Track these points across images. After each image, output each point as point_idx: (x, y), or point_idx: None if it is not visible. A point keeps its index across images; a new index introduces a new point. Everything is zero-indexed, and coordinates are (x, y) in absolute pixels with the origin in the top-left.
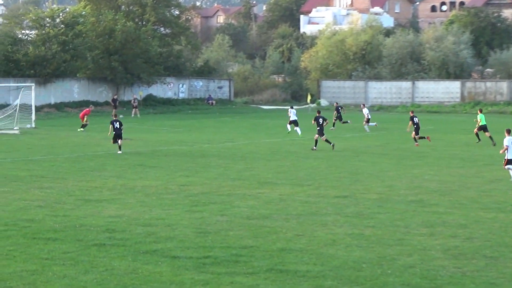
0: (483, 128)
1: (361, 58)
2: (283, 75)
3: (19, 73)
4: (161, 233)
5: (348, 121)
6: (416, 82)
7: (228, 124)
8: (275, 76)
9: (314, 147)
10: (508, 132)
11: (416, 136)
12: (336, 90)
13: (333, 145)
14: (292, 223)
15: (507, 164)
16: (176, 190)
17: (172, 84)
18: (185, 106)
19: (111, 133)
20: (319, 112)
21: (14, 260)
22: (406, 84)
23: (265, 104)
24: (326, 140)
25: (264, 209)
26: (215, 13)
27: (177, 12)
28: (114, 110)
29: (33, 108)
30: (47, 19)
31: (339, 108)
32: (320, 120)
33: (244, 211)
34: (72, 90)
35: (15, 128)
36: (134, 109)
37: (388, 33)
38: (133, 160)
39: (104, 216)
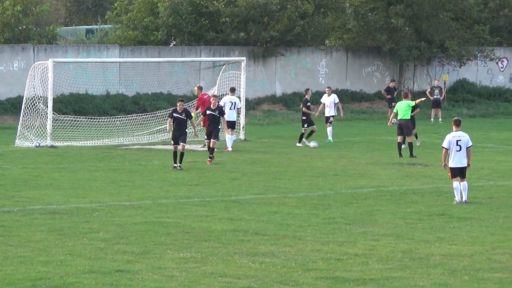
0: None
1: None
2: None
3: (217, 39)
4: None
5: None
6: None
7: None
8: None
9: None
10: None
11: None
12: None
13: None
14: None
15: None
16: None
17: (506, 62)
18: None
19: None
20: None
21: None
22: None
23: None
24: None
25: None
26: None
27: None
28: (390, 110)
29: (243, 104)
30: None
31: None
32: None
33: None
34: (314, 70)
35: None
36: (434, 108)
37: None
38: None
39: None
